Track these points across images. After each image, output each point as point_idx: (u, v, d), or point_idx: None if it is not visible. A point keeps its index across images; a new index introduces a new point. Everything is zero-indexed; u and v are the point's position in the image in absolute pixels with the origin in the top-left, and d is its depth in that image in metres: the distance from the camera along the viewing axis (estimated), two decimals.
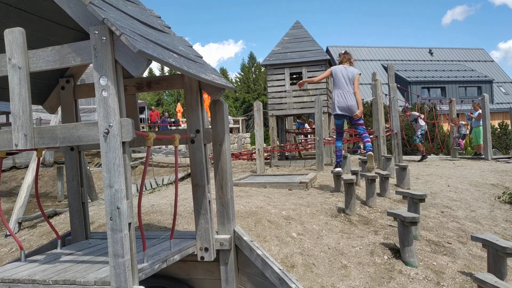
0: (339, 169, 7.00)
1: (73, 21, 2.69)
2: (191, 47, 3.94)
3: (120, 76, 2.62)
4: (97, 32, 2.53)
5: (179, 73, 3.20)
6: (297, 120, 17.63)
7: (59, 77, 3.95)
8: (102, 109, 2.57)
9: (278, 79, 11.74)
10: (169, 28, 3.95)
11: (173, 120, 29.18)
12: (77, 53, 2.67)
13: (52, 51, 2.73)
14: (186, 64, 3.11)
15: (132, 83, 3.87)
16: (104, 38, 2.52)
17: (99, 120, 2.58)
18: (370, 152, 6.71)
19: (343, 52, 7.21)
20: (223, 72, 53.42)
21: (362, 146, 15.02)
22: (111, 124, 2.55)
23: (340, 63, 7.02)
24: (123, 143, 2.58)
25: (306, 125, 18.04)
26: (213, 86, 3.59)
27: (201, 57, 3.88)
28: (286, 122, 14.30)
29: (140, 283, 2.79)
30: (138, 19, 3.24)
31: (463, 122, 14.14)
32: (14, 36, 2.74)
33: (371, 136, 10.75)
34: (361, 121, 6.92)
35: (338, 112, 6.74)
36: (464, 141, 14.41)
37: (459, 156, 14.12)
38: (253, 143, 12.60)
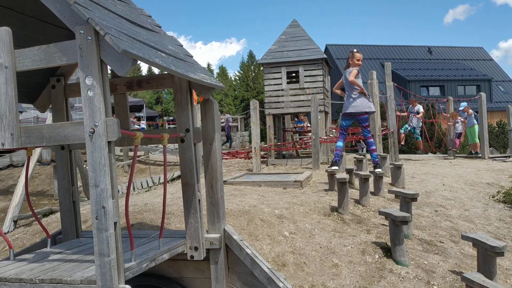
0: (335, 167, 7.04)
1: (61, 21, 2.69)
2: (182, 46, 3.94)
3: (106, 75, 2.62)
4: (82, 31, 2.53)
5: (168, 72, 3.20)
6: (295, 119, 17.61)
7: (50, 76, 3.95)
8: (88, 108, 2.58)
9: (275, 77, 11.72)
10: (160, 27, 3.95)
11: (171, 118, 29.15)
12: (63, 52, 2.67)
13: (38, 51, 2.73)
14: (174, 64, 3.12)
15: (122, 82, 3.88)
16: (90, 38, 2.53)
17: (85, 119, 2.59)
18: (380, 170, 6.87)
19: (355, 51, 7.16)
20: (222, 71, 53.41)
21: (363, 147, 15.08)
22: (97, 124, 2.56)
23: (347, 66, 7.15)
24: (109, 142, 2.59)
25: (305, 124, 18.03)
26: (202, 85, 3.59)
27: (191, 56, 3.88)
28: (284, 121, 14.29)
29: (128, 281, 2.79)
30: (126, 18, 3.24)
31: (461, 119, 14.13)
32: (0, 35, 2.75)
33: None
34: (367, 123, 7.13)
35: (347, 110, 6.94)
36: (459, 140, 14.38)
37: (456, 155, 14.13)
38: (251, 141, 12.59)
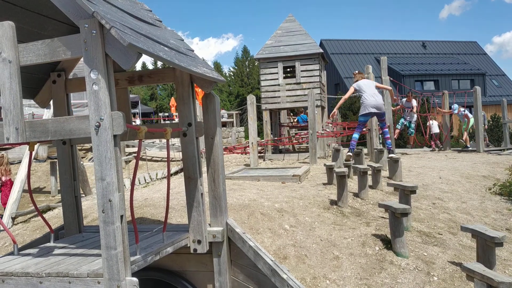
0: (350, 153, 8.23)
1: (64, 15, 2.69)
2: (182, 40, 3.95)
3: (111, 69, 2.63)
4: (87, 25, 2.53)
5: (171, 66, 3.21)
6: (291, 114, 17.63)
7: (50, 71, 3.95)
8: (93, 102, 2.58)
9: (271, 72, 11.73)
10: (160, 21, 3.95)
11: (167, 114, 29.08)
12: (68, 46, 2.68)
13: (42, 45, 2.73)
14: (177, 58, 3.13)
15: (124, 77, 3.88)
16: (94, 32, 2.53)
17: (90, 113, 2.59)
18: (393, 155, 7.99)
19: (357, 72, 8.87)
20: (216, 66, 53.28)
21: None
22: (102, 117, 2.57)
23: (357, 80, 8.52)
24: (114, 136, 2.60)
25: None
26: (204, 79, 3.60)
27: (192, 51, 3.89)
28: (280, 116, 14.32)
29: (133, 275, 2.81)
30: (128, 13, 3.24)
31: (435, 122, 14.43)
32: (4, 30, 2.74)
33: (364, 129, 10.85)
34: (384, 118, 8.45)
35: (370, 110, 8.06)
36: (437, 140, 14.74)
37: (451, 149, 14.26)
38: (247, 137, 12.60)
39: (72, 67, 4.01)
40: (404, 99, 13.82)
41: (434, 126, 14.59)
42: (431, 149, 14.63)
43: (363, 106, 8.20)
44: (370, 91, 8.23)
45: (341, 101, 8.79)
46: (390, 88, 9.17)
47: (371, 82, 8.46)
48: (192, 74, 3.54)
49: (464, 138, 14.21)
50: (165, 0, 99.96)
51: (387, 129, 8.47)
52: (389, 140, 8.37)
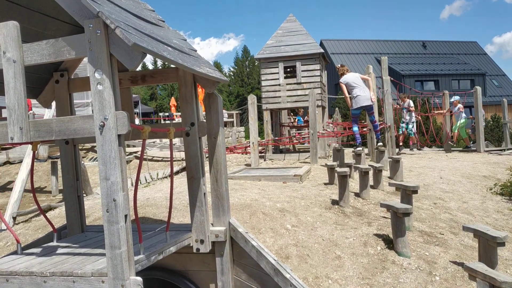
0: (359, 148, 8.82)
1: (67, 15, 2.69)
2: (185, 40, 3.95)
3: (115, 69, 2.63)
4: (91, 25, 2.54)
5: (174, 66, 3.22)
6: (291, 114, 17.64)
7: (53, 71, 3.95)
8: (98, 102, 2.59)
9: (272, 72, 11.73)
10: (163, 21, 3.96)
11: (167, 114, 29.09)
12: (72, 46, 2.68)
13: (46, 45, 2.74)
14: (181, 57, 3.13)
15: (127, 77, 3.88)
16: (99, 32, 2.53)
17: (95, 113, 2.60)
18: (380, 144, 8.86)
19: (340, 65, 9.27)
20: (217, 66, 53.34)
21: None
22: (107, 117, 2.57)
23: (343, 74, 8.93)
24: (119, 135, 2.60)
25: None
26: (207, 79, 3.61)
27: (195, 50, 3.89)
28: (281, 116, 14.32)
29: (137, 274, 2.82)
30: (132, 13, 3.24)
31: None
32: (9, 29, 2.74)
33: (364, 129, 10.88)
34: (373, 111, 8.97)
35: (362, 104, 8.53)
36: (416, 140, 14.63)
37: (452, 149, 14.27)
38: (247, 137, 12.61)
39: (75, 67, 4.01)
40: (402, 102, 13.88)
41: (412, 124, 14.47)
42: (400, 145, 14.59)
43: (355, 101, 8.64)
44: (359, 85, 8.66)
45: (347, 100, 9.11)
46: (369, 78, 9.47)
47: (356, 76, 8.85)
48: (195, 74, 3.55)
49: (454, 138, 14.16)
50: (167, 0, 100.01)
51: (377, 123, 9.21)
52: (379, 133, 9.16)
